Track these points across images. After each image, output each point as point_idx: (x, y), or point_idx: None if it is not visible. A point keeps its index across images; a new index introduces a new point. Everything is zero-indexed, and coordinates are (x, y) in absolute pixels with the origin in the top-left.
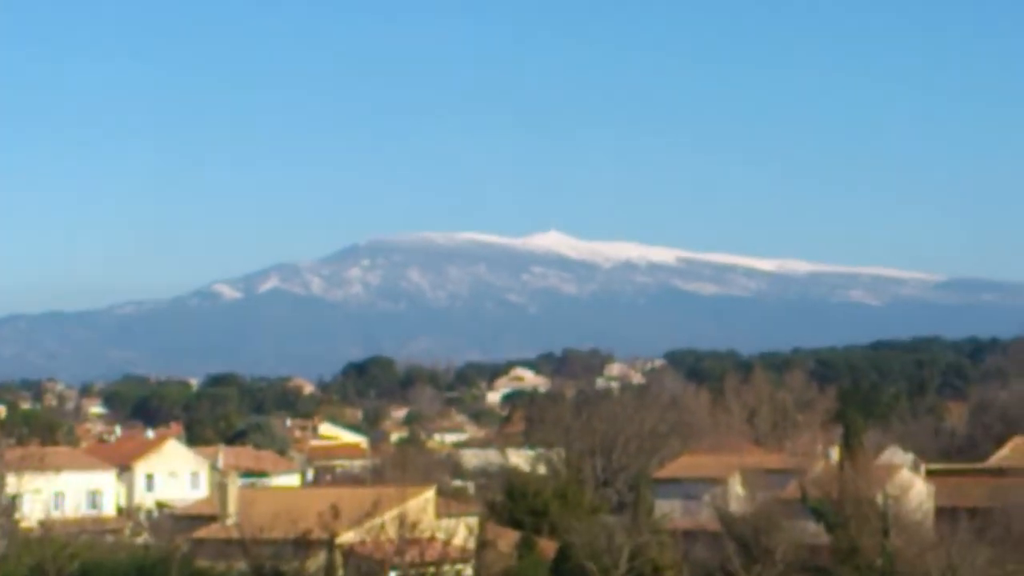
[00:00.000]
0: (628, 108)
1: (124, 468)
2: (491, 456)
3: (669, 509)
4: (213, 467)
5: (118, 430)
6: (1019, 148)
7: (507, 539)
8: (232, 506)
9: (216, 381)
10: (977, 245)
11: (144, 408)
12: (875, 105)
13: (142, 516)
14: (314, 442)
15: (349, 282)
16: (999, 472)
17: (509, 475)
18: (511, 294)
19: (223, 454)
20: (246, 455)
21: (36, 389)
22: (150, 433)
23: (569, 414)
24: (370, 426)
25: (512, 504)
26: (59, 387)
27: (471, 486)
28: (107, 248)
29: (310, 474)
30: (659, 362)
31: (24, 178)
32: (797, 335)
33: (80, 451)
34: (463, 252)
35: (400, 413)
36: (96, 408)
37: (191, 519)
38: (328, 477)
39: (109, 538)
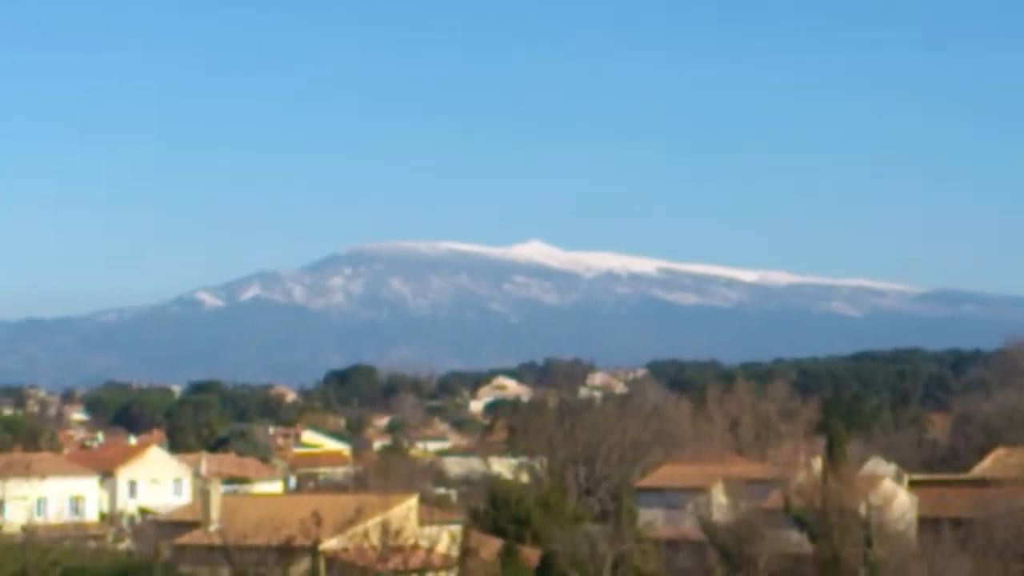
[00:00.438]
0: (609, 119)
1: (106, 474)
2: (474, 464)
3: (652, 518)
4: (196, 474)
5: (100, 437)
6: (1000, 161)
7: (490, 547)
8: (215, 513)
9: (198, 388)
10: (958, 257)
11: (126, 415)
12: (857, 117)
13: (124, 522)
14: (296, 450)
15: (331, 291)
16: (982, 483)
17: (492, 483)
18: (493, 303)
19: (206, 461)
20: (228, 462)
21: (18, 395)
22: (132, 440)
23: (552, 423)
24: (352, 434)
25: (495, 512)
26: (41, 393)
27: (454, 494)
28: (89, 255)
29: (292, 481)
30: (641, 372)
31: (4, 185)
32: (779, 346)
33: (62, 457)
34: (445, 261)
35: (382, 421)
36: (78, 415)
37: (173, 525)
38: (311, 484)
39: (92, 544)
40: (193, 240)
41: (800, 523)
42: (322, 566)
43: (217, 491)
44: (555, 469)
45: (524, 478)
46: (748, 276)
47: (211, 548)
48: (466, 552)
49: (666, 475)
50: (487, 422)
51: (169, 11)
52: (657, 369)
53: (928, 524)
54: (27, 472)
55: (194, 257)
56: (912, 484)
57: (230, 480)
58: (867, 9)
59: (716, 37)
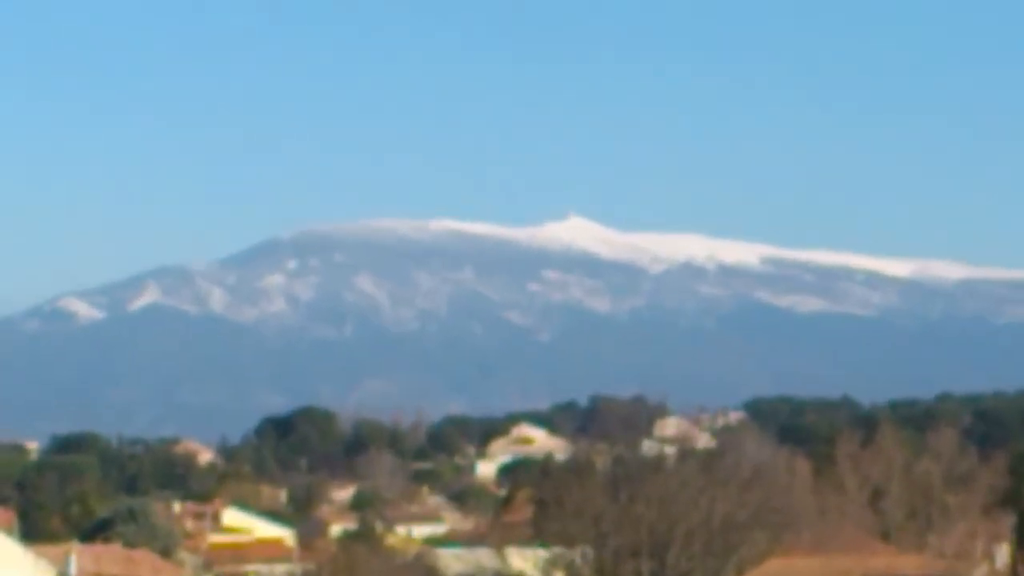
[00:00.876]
0: (684, 32)
1: None
2: (483, 559)
3: None
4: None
5: None
6: None
7: None
8: None
9: (66, 445)
10: None
11: None
12: None
13: None
14: (215, 537)
15: (266, 294)
16: None
17: None
18: (513, 312)
19: (77, 555)
20: (112, 556)
21: None
22: None
23: (601, 495)
24: (299, 513)
25: None
26: None
27: None
28: None
29: None
30: (737, 416)
31: None
32: (945, 374)
33: None
34: (440, 249)
35: (344, 493)
36: None
37: None
38: None
39: None
40: (55, 226)
41: None
42: None
43: None
44: (606, 565)
45: None
46: (899, 269)
47: None
48: None
49: (775, 572)
50: (502, 493)
51: None
52: (761, 411)
53: None
54: None
55: (58, 250)
56: None
57: None
58: None
59: None
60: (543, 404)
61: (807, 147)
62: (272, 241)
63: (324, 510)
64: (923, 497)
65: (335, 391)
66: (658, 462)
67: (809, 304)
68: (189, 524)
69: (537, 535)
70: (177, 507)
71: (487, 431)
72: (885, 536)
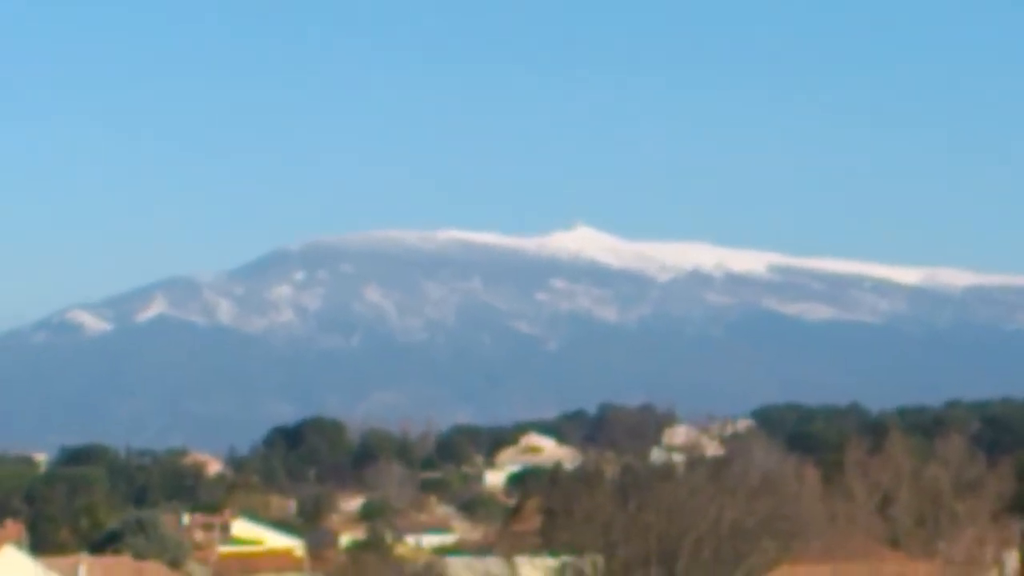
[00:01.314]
0: (694, 41)
1: None
2: (492, 568)
3: None
4: None
5: None
6: None
7: None
8: None
9: (75, 457)
10: None
11: None
12: None
13: None
14: (224, 548)
15: (274, 305)
16: None
17: None
18: (521, 322)
19: (87, 567)
20: (122, 568)
21: None
22: None
23: (610, 503)
24: (308, 523)
25: None
26: None
27: None
28: None
29: None
30: (745, 424)
31: None
32: (954, 381)
33: None
34: (447, 259)
35: (354, 503)
36: None
37: None
38: None
39: None
40: (64, 237)
41: None
42: None
43: None
44: (615, 574)
45: None
46: (908, 276)
47: None
48: None
49: None
50: (512, 502)
51: None
52: (769, 419)
53: None
54: None
55: (66, 261)
56: None
57: None
58: None
59: None
60: (551, 413)
61: (814, 155)
62: (280, 252)
63: (333, 520)
64: (932, 504)
65: (343, 401)
66: (667, 470)
67: (817, 312)
68: (198, 535)
69: (546, 544)
70: (186, 518)
71: (496, 440)
72: (894, 543)
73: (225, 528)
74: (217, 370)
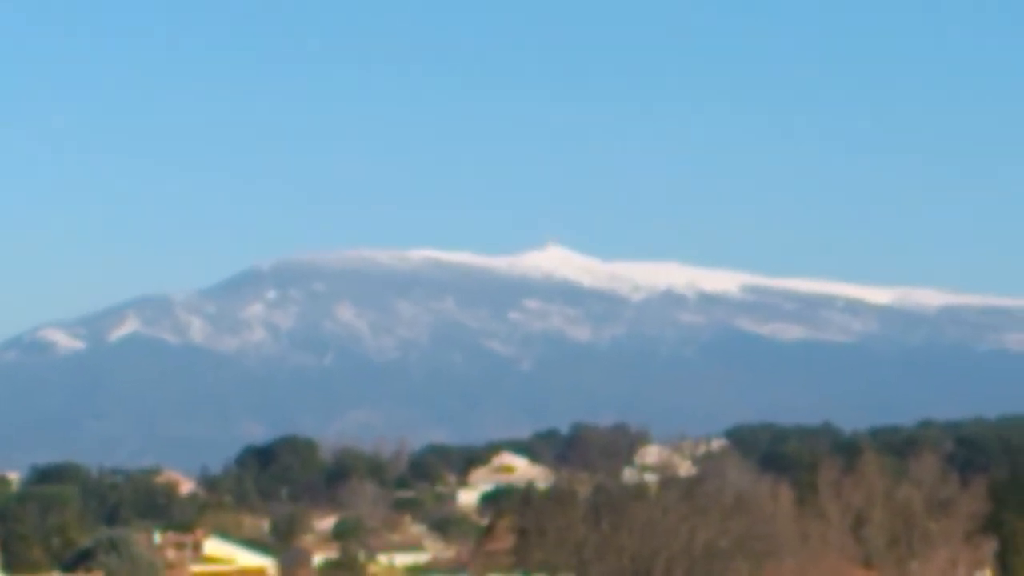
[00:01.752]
0: (663, 64)
1: None
2: None
3: None
4: None
5: None
6: None
7: None
8: None
9: (46, 476)
10: None
11: None
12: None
13: None
14: (196, 567)
15: (247, 324)
16: None
17: None
18: (493, 341)
19: None
20: None
21: None
22: None
23: (583, 523)
24: (281, 542)
25: None
26: None
27: None
28: None
29: None
30: (719, 443)
31: None
32: (926, 401)
33: None
34: (420, 278)
35: (327, 522)
36: None
37: None
38: None
39: None
40: (35, 255)
41: None
42: None
43: None
44: None
45: None
46: (880, 296)
47: None
48: None
49: None
50: (484, 522)
51: None
52: (742, 439)
53: None
54: None
55: (37, 279)
56: None
57: None
58: None
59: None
60: (524, 432)
61: (786, 175)
62: (252, 271)
63: (306, 539)
64: (905, 524)
65: (316, 420)
66: (640, 490)
67: (790, 332)
68: (170, 554)
69: (519, 564)
70: (158, 537)
71: (468, 460)
72: (867, 563)
73: (197, 547)
74: (189, 389)
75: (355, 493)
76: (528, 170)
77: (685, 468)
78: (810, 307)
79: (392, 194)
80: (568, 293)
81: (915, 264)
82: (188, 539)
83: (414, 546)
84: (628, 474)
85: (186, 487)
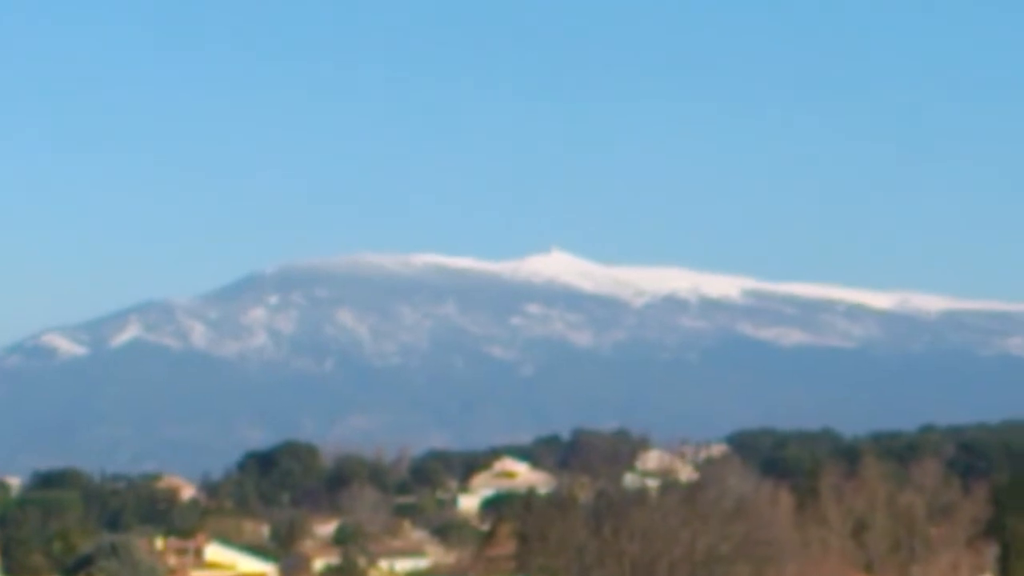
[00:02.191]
0: (669, 66)
1: None
2: None
3: None
4: None
5: None
6: None
7: None
8: None
9: (48, 481)
10: None
11: None
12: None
13: None
14: (198, 572)
15: (248, 329)
16: None
17: None
18: (495, 346)
19: None
20: None
21: None
22: None
23: (584, 528)
24: (282, 548)
25: None
26: None
27: None
28: None
29: None
30: (720, 448)
31: None
32: (928, 406)
33: None
34: (422, 283)
35: (327, 527)
36: None
37: None
38: None
39: None
40: (38, 261)
41: None
42: None
43: None
44: None
45: None
46: (881, 301)
47: None
48: None
49: None
50: (485, 527)
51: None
52: (743, 444)
53: None
54: None
55: (41, 285)
56: None
57: None
58: None
59: None
60: (526, 438)
61: (788, 181)
62: (254, 276)
63: (307, 544)
64: (906, 529)
65: (317, 425)
66: (641, 495)
67: (791, 337)
68: (172, 560)
69: (520, 569)
70: (160, 543)
71: (469, 465)
72: (868, 568)
73: (198, 553)
74: (191, 394)
75: (356, 498)
76: (530, 175)
77: (686, 473)
78: (812, 312)
79: (394, 199)
80: (570, 298)
81: (916, 269)
82: (189, 544)
83: (415, 552)
84: (629, 479)
85: (187, 492)
